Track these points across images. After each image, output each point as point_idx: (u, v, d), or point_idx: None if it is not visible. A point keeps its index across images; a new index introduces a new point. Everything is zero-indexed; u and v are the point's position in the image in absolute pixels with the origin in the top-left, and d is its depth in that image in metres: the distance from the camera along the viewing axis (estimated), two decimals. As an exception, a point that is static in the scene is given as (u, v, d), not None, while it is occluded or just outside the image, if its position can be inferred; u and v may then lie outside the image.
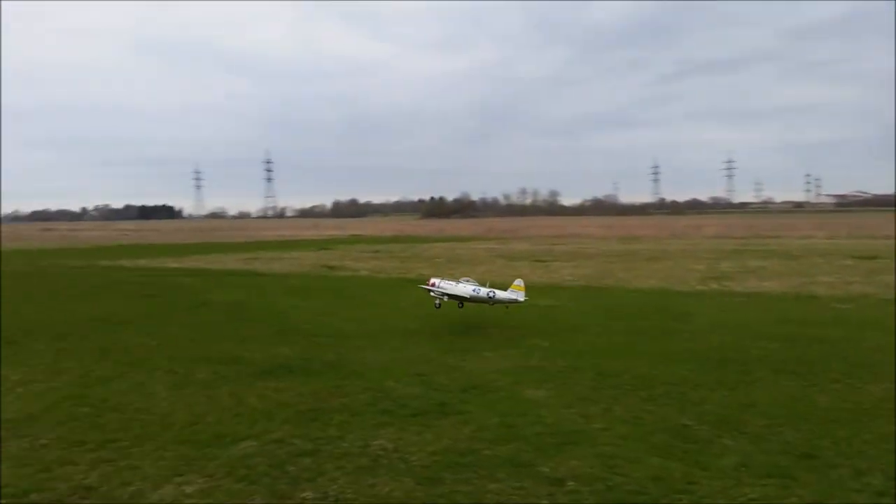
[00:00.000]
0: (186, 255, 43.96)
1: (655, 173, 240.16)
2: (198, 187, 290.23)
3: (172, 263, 36.19)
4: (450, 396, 9.17)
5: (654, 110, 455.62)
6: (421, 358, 11.75)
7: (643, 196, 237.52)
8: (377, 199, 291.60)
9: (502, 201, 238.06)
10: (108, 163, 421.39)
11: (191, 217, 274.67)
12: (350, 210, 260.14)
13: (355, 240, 69.50)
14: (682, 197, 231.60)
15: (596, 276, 27.88)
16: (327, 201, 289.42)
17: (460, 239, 68.64)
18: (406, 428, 7.81)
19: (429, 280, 16.16)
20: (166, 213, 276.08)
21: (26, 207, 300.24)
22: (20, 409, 8.49)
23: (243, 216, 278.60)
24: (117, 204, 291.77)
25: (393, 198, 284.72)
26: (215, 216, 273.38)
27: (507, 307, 15.30)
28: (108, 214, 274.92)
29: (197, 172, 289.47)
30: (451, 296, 15.50)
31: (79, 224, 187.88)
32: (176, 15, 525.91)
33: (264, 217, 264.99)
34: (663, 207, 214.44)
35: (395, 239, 71.14)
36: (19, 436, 7.45)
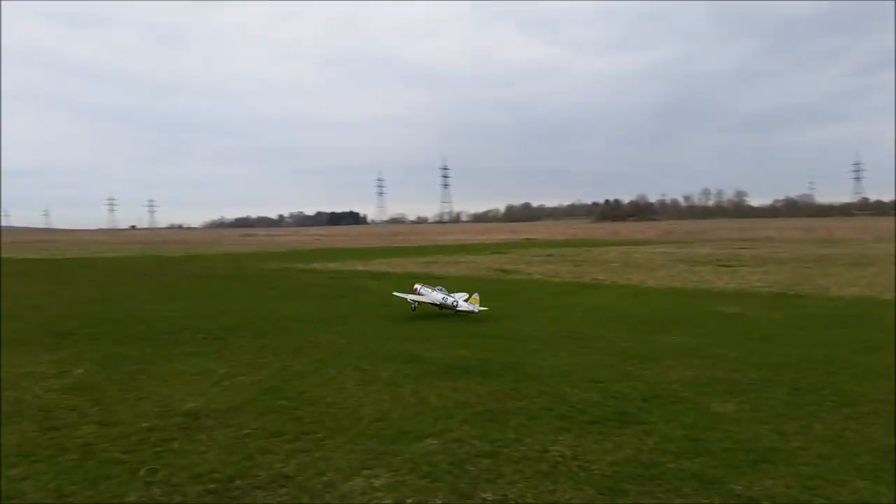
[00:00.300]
0: (371, 258, 46.23)
1: (858, 171, 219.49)
2: (380, 194, 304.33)
3: (359, 266, 38.21)
4: (630, 405, 8.91)
5: (853, 103, 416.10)
6: (598, 364, 11.53)
7: (843, 195, 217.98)
8: (550, 202, 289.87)
9: (683, 203, 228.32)
10: (302, 172, 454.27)
11: (374, 222, 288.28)
12: (523, 214, 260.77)
13: (528, 243, 69.65)
14: (888, 196, 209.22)
15: (790, 282, 25.92)
16: (501, 206, 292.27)
17: (637, 242, 66.56)
18: (585, 435, 7.68)
19: (413, 286, 18.68)
20: (352, 218, 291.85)
21: (230, 214, 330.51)
22: (226, 400, 9.30)
23: (421, 221, 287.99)
24: (310, 211, 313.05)
25: (566, 201, 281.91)
26: (395, 221, 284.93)
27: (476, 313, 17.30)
28: (301, 220, 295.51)
29: (380, 180, 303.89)
30: (423, 302, 18.08)
31: (276, 230, 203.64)
32: (364, 32, 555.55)
33: (440, 222, 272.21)
34: (866, 208, 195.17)
35: (569, 243, 70.40)
36: (226, 425, 8.16)
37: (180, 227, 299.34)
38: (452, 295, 18.03)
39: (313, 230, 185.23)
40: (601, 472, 6.61)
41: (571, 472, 6.59)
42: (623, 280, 28.32)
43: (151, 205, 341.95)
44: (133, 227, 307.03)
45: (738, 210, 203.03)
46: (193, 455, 7.10)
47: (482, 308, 17.48)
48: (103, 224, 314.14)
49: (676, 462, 6.84)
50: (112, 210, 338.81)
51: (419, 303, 18.25)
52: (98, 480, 6.39)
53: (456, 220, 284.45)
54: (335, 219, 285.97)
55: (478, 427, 7.98)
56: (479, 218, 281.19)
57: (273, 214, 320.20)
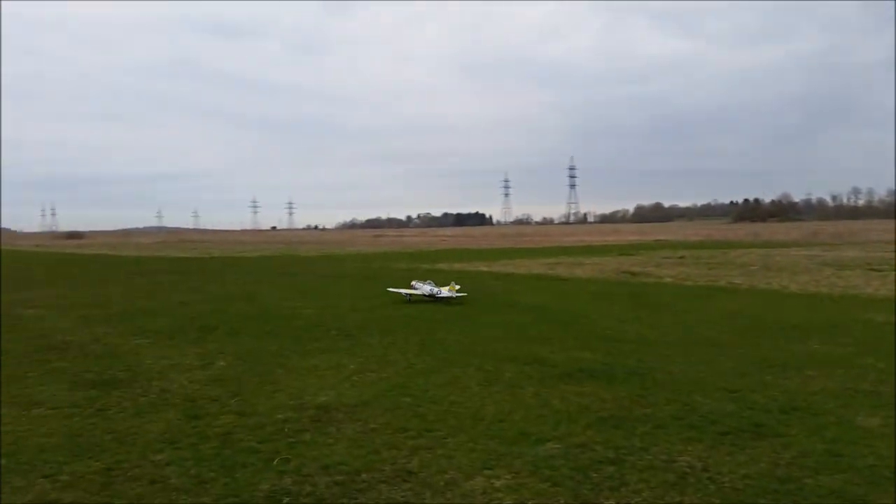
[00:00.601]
0: (495, 259, 46.36)
1: None
2: (506, 195, 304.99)
3: (483, 267, 38.42)
4: (767, 417, 8.41)
5: None
6: (733, 372, 10.97)
7: None
8: (683, 202, 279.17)
9: (830, 203, 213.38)
10: (430, 174, 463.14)
11: (499, 223, 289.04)
12: (653, 214, 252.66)
13: (659, 245, 67.42)
14: None
15: (954, 288, 23.59)
16: (630, 206, 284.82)
17: (778, 244, 62.85)
18: (716, 447, 7.33)
19: (411, 282, 23.00)
20: (478, 219, 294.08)
21: (362, 216, 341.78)
22: (355, 395, 9.61)
23: (546, 222, 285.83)
24: (437, 212, 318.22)
25: (700, 201, 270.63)
26: (521, 222, 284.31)
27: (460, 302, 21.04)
28: (428, 221, 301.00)
29: (506, 181, 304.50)
30: (417, 294, 21.80)
31: (404, 230, 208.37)
32: (492, 34, 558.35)
33: (566, 223, 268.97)
34: None
35: (703, 244, 67.50)
36: (354, 419, 8.43)
37: (316, 227, 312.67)
38: (436, 287, 21.84)
39: (440, 231, 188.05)
40: (732, 485, 6.28)
41: (700, 484, 6.31)
42: (762, 284, 26.84)
43: (290, 207, 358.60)
44: (273, 227, 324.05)
45: (890, 211, 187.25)
46: (323, 447, 7.38)
47: (460, 294, 21.57)
48: (247, 225, 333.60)
49: (815, 478, 6.40)
50: (255, 212, 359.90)
51: (412, 295, 21.99)
52: (235, 468, 6.77)
53: (582, 220, 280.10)
54: (461, 220, 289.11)
55: (602, 433, 7.81)
56: (606, 219, 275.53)
57: (402, 215, 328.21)
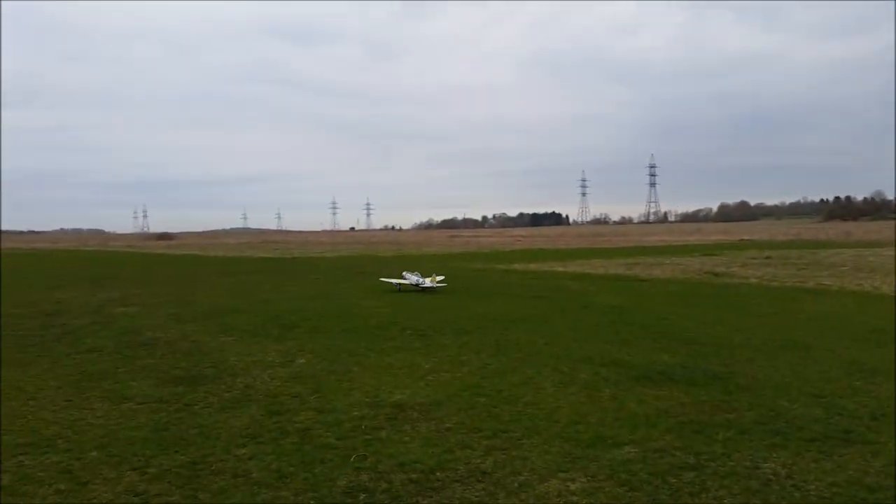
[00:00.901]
0: (571, 259, 45.85)
1: None
2: (583, 194, 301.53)
3: (558, 267, 38.06)
4: (856, 423, 8.03)
5: None
6: (820, 376, 10.51)
7: None
8: (770, 200, 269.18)
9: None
10: (505, 174, 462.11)
11: (575, 223, 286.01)
12: (738, 213, 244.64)
13: (744, 245, 65.24)
14: None
15: None
16: (713, 204, 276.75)
17: (871, 244, 59.80)
18: (802, 453, 7.04)
19: (401, 273, 27.28)
20: (554, 219, 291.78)
21: (438, 216, 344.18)
22: (429, 394, 9.68)
23: (625, 221, 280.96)
24: (512, 212, 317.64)
25: (788, 199, 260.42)
26: (598, 222, 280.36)
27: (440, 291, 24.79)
28: (504, 222, 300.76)
29: (583, 180, 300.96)
30: (406, 283, 25.71)
31: (480, 231, 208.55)
32: (567, 31, 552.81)
33: (646, 222, 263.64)
34: None
35: (791, 244, 64.92)
36: (429, 418, 8.49)
37: (393, 228, 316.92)
38: (423, 278, 25.73)
39: (515, 231, 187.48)
40: (818, 493, 6.02)
41: (784, 492, 6.07)
42: (853, 286, 25.60)
43: (368, 208, 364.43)
44: (352, 228, 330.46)
45: None
46: (399, 445, 7.47)
47: (440, 284, 25.63)
48: (326, 226, 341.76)
49: (909, 489, 6.06)
50: (334, 213, 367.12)
51: (402, 284, 25.83)
52: (314, 464, 6.92)
53: (663, 220, 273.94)
54: (537, 220, 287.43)
55: (681, 438, 7.61)
56: (688, 218, 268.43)
57: (477, 216, 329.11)
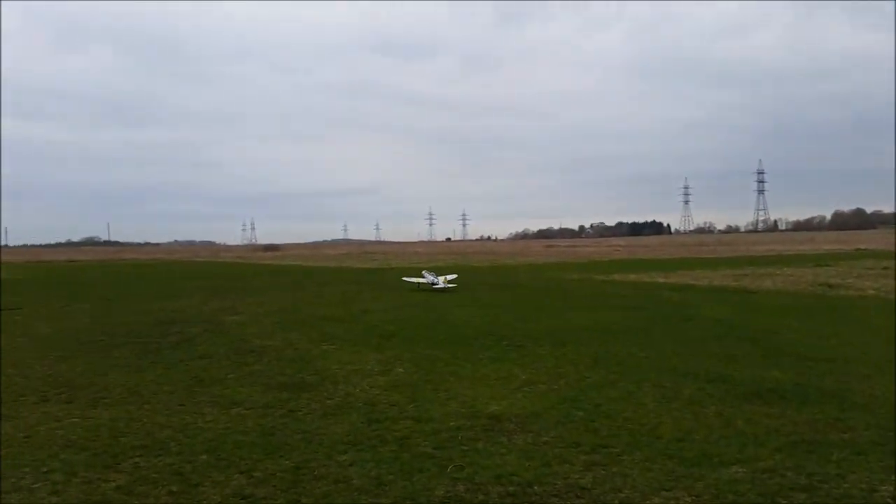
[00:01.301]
0: (672, 269, 44.52)
1: None
2: (685, 202, 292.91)
3: (660, 278, 37.01)
4: None
5: None
6: (952, 397, 9.74)
7: None
8: (887, 207, 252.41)
9: None
10: (603, 182, 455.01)
11: (677, 232, 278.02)
12: (854, 221, 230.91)
13: (861, 254, 61.42)
14: None
15: None
16: (826, 212, 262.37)
17: None
18: (928, 478, 6.54)
19: (422, 273, 31.72)
20: (655, 228, 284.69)
21: (533, 226, 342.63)
22: (526, 406, 9.60)
23: (731, 230, 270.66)
24: (610, 221, 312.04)
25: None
26: (702, 231, 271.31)
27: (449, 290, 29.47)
28: (602, 231, 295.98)
29: (685, 188, 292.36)
30: (424, 283, 30.55)
31: (577, 241, 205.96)
32: (669, 35, 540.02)
33: (754, 231, 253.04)
34: None
35: (915, 253, 60.62)
36: (525, 430, 8.41)
37: (488, 238, 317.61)
38: (437, 278, 30.83)
39: (614, 240, 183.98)
40: (949, 524, 5.57)
41: (911, 521, 5.65)
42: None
43: (464, 218, 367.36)
44: (448, 239, 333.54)
45: None
46: (495, 456, 7.44)
47: (451, 285, 30.50)
48: (423, 236, 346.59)
49: None
50: (431, 224, 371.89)
51: (420, 283, 30.77)
52: (412, 472, 6.99)
53: (772, 228, 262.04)
54: (636, 229, 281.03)
55: (792, 457, 7.22)
56: (799, 226, 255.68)
57: (574, 225, 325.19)
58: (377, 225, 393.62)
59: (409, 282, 32.28)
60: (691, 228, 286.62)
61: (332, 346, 15.29)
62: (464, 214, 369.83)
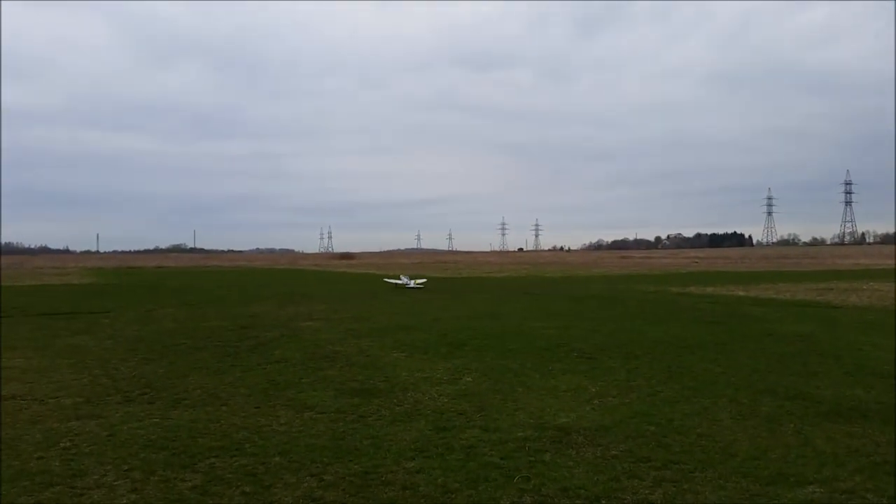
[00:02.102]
0: (754, 283, 43.09)
1: None
2: (768, 213, 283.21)
3: (739, 291, 35.90)
4: None
5: None
6: None
7: None
8: None
9: None
10: (681, 193, 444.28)
11: (759, 244, 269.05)
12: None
13: (959, 269, 58.00)
14: None
15: None
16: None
17: None
18: None
19: (399, 276, 44.07)
20: (736, 240, 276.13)
21: (608, 237, 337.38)
22: (596, 419, 9.48)
23: (816, 243, 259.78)
24: (688, 232, 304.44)
25: None
26: (786, 243, 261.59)
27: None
28: (679, 243, 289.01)
29: (768, 199, 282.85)
30: (400, 283, 41.55)
31: (652, 252, 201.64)
32: (755, 43, 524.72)
33: (840, 244, 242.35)
34: None
35: None
36: (594, 444, 8.31)
37: (561, 249, 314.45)
38: (409, 280, 42.69)
39: (692, 252, 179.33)
40: None
41: None
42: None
43: (537, 228, 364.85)
44: (520, 249, 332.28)
45: None
46: (563, 469, 7.38)
47: (420, 286, 40.79)
48: (496, 246, 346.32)
49: None
50: (503, 234, 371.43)
51: (396, 284, 41.84)
52: (478, 481, 7.02)
53: (859, 241, 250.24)
54: (716, 240, 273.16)
55: (873, 479, 6.91)
56: (889, 239, 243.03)
57: (650, 236, 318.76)
58: (450, 234, 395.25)
59: (388, 282, 45.07)
60: (774, 240, 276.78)
61: (403, 354, 15.47)
62: (536, 225, 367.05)
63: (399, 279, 43.65)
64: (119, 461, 7.87)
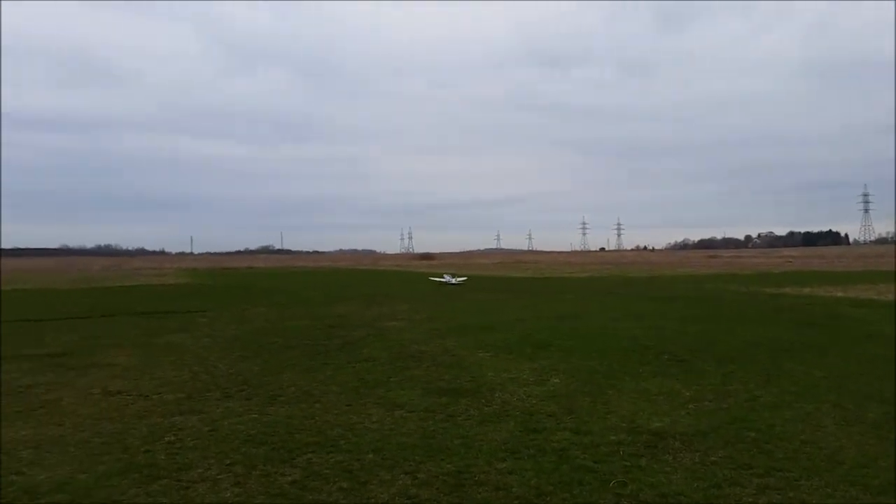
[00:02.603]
0: (851, 283, 41.04)
1: None
2: (865, 211, 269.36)
3: (837, 292, 34.25)
4: None
5: None
6: None
7: None
8: None
9: None
10: (772, 190, 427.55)
11: (857, 243, 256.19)
12: None
13: None
14: None
15: None
16: None
17: None
18: None
19: (442, 275, 51.00)
20: (831, 238, 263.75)
21: (694, 236, 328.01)
22: (692, 424, 9.22)
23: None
24: (781, 231, 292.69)
25: None
26: (884, 241, 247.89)
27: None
28: (771, 241, 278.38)
29: (865, 195, 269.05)
30: (443, 281, 47.95)
31: (742, 251, 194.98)
32: (843, 35, 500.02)
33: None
34: None
35: None
36: (692, 449, 8.08)
37: (644, 248, 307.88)
38: (453, 277, 48.31)
39: (785, 251, 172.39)
40: None
41: None
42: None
43: (619, 228, 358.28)
44: (602, 248, 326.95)
45: None
46: (660, 474, 7.22)
47: (461, 281, 48.57)
48: (576, 246, 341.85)
49: None
50: (584, 233, 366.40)
51: (440, 281, 47.61)
52: (572, 484, 6.94)
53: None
54: (810, 239, 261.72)
55: None
56: None
57: (740, 235, 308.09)
58: (529, 234, 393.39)
59: (433, 280, 50.39)
60: (872, 239, 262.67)
61: (487, 354, 15.46)
62: (619, 224, 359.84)
63: (443, 277, 49.67)
64: (221, 455, 8.17)
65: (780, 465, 7.41)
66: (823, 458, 7.68)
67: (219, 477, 7.43)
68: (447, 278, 48.57)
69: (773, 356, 14.64)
